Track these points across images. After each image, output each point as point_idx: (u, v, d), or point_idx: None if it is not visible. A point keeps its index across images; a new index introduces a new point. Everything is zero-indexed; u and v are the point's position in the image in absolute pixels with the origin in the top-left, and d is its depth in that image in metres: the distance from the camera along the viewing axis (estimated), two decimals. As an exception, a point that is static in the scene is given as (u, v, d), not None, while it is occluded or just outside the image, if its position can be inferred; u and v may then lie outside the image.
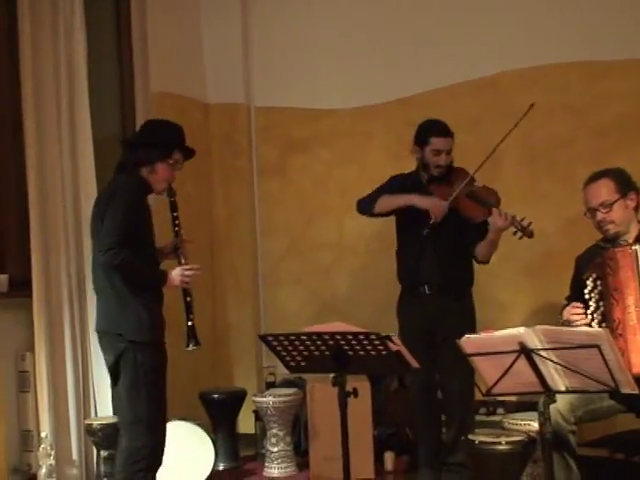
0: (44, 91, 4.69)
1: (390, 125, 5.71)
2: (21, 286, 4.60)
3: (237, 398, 5.47)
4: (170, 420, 4.44)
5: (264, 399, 5.12)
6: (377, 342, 3.20)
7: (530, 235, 4.22)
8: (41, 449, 4.36)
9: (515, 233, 4.24)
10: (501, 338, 3.03)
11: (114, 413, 4.14)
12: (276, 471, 5.10)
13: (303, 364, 3.40)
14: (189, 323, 3.85)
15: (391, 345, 3.21)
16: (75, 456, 4.64)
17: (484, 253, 4.44)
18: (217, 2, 6.15)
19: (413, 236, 4.45)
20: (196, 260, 6.03)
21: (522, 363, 3.00)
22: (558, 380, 3.03)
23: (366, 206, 4.56)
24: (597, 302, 3.52)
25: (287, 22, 6.08)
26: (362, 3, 5.85)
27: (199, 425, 4.91)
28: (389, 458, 5.10)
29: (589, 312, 3.54)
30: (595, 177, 3.71)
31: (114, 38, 5.55)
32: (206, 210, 6.18)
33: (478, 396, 3.25)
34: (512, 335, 3.00)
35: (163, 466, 4.04)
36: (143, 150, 3.87)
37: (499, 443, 3.82)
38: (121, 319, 3.75)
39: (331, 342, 3.25)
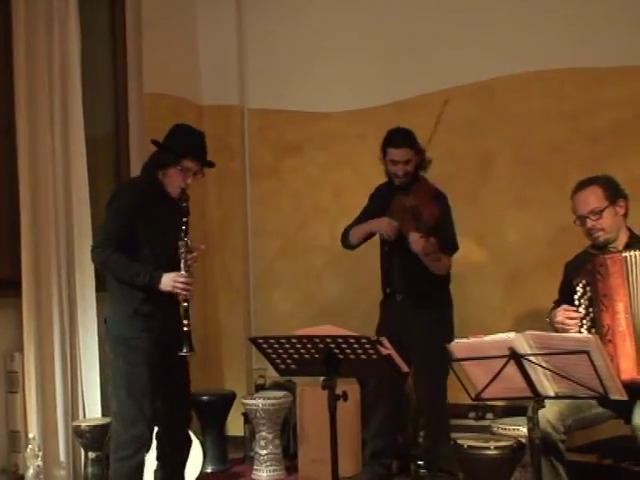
0: (37, 90, 4.67)
1: (384, 128, 5.65)
2: (11, 286, 4.58)
3: (226, 400, 5.47)
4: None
5: (253, 402, 5.12)
6: (368, 346, 3.20)
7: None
8: (29, 450, 4.34)
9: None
10: (491, 343, 3.03)
11: None
12: (265, 474, 5.08)
13: (293, 367, 3.39)
14: (185, 329, 3.85)
15: (381, 349, 3.21)
16: (63, 457, 4.62)
17: (430, 268, 4.43)
18: (212, 4, 6.15)
19: (383, 250, 4.60)
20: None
21: (512, 368, 3.00)
22: (547, 385, 3.04)
23: (345, 241, 4.70)
24: (587, 308, 3.52)
25: (282, 24, 6.08)
26: (357, 6, 5.84)
27: (188, 427, 4.90)
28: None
29: (579, 317, 3.54)
30: (583, 185, 3.70)
31: (108, 38, 5.54)
32: (199, 211, 6.15)
33: (467, 400, 3.23)
34: (502, 340, 3.00)
35: (151, 467, 4.04)
36: (161, 153, 3.96)
37: (488, 448, 3.82)
38: (109, 312, 4.00)
39: (322, 345, 3.24)
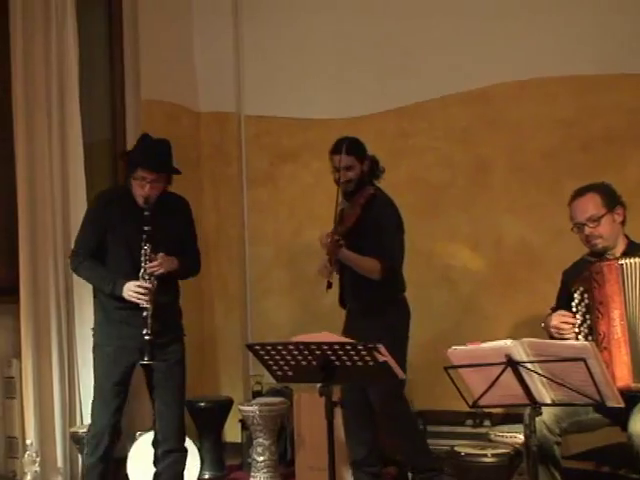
0: (35, 96, 4.68)
1: (380, 135, 5.71)
2: (8, 292, 4.59)
3: (223, 407, 5.47)
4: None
5: (250, 408, 5.11)
6: (364, 352, 3.20)
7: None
8: (26, 456, 4.34)
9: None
10: (488, 350, 3.05)
11: None
12: (261, 480, 5.09)
13: (290, 374, 3.39)
14: (145, 337, 3.88)
15: (378, 355, 3.21)
16: (60, 463, 4.63)
17: (358, 271, 4.43)
18: (209, 11, 6.16)
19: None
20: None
21: (508, 375, 3.01)
22: (544, 393, 3.05)
23: None
24: (584, 315, 3.54)
25: (279, 31, 6.09)
26: (355, 13, 5.85)
27: (185, 433, 4.90)
28: (375, 469, 5.09)
29: (576, 325, 3.55)
30: (581, 192, 3.72)
31: (106, 45, 5.55)
32: (195, 218, 6.16)
33: (464, 408, 3.24)
34: (499, 347, 3.01)
35: (147, 474, 4.08)
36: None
37: (485, 455, 3.83)
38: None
39: (318, 352, 3.24)
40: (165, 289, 4.02)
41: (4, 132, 4.70)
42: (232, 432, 5.67)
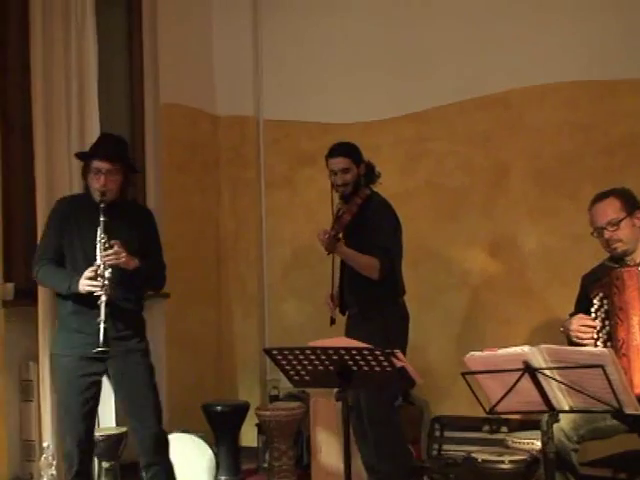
0: (54, 100, 4.68)
1: (399, 140, 5.71)
2: (26, 295, 4.59)
3: (240, 411, 5.45)
4: (172, 432, 4.45)
5: (267, 412, 5.11)
6: (381, 358, 3.20)
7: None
8: (43, 459, 4.33)
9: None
10: (505, 356, 3.03)
11: None
12: (278, 485, 5.09)
13: (307, 378, 3.39)
14: (100, 325, 3.74)
15: (395, 361, 3.21)
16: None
17: (355, 269, 4.43)
18: (229, 15, 6.18)
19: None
20: (202, 270, 6.06)
21: (526, 382, 3.00)
22: (562, 399, 3.03)
23: None
24: (603, 321, 3.52)
25: (298, 35, 6.09)
26: (373, 18, 5.85)
27: (201, 437, 4.90)
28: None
29: (595, 330, 3.53)
30: (600, 197, 3.71)
31: (125, 48, 5.58)
32: (213, 221, 6.19)
33: (481, 413, 3.22)
34: (516, 354, 3.00)
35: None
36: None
37: (502, 462, 3.81)
38: None
39: (335, 357, 3.24)
40: (126, 293, 3.94)
41: (23, 136, 4.72)
42: (249, 436, 5.65)
